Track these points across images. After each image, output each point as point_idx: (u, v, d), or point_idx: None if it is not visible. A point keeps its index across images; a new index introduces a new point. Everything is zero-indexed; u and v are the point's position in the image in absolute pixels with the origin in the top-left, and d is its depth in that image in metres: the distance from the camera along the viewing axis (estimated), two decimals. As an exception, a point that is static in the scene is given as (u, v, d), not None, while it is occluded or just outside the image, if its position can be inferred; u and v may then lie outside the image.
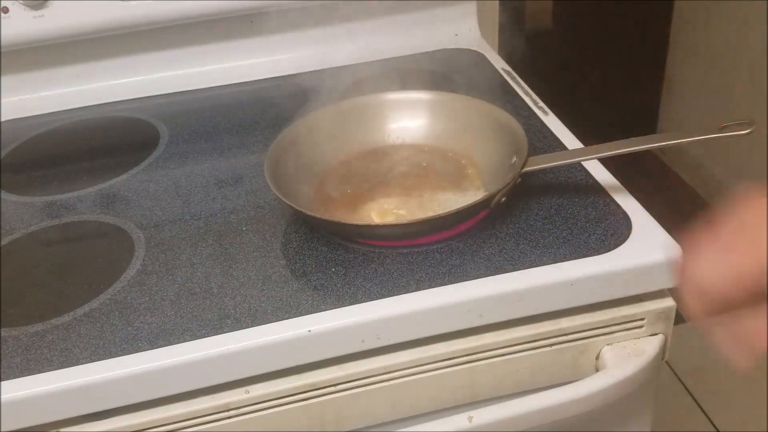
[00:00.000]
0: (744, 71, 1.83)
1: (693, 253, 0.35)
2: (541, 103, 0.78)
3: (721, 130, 0.55)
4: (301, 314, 0.53)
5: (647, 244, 0.56)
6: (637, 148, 0.58)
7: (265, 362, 0.52)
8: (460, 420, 0.53)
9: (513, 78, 0.85)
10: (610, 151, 0.58)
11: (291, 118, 0.70)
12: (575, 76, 2.17)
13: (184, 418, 0.53)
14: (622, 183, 0.63)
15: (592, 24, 2.14)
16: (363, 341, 0.53)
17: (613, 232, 0.57)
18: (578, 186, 0.63)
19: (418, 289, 0.54)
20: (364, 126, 0.71)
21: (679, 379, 1.52)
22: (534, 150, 0.64)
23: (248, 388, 0.53)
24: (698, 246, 0.35)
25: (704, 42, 1.98)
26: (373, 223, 0.61)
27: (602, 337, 0.58)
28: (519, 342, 0.56)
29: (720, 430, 1.42)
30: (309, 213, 0.59)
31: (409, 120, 0.72)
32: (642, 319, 0.58)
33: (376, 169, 0.69)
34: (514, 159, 0.61)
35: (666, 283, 0.56)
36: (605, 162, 0.64)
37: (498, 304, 0.54)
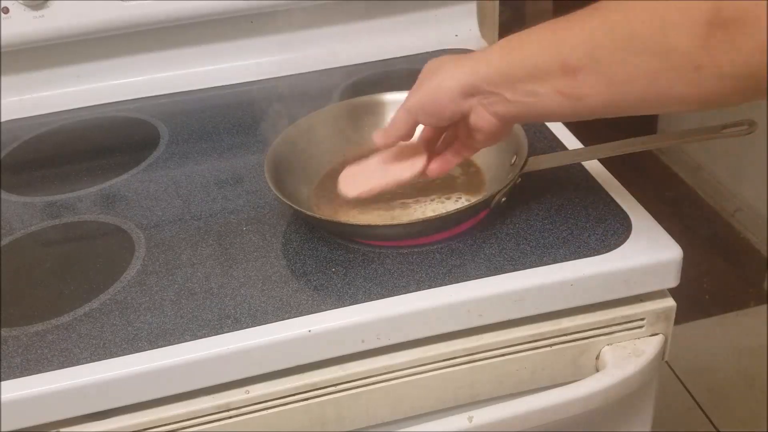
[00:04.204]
0: (744, 71, 1.83)
1: None
2: (541, 103, 0.78)
3: (721, 130, 0.55)
4: (301, 314, 0.53)
5: (647, 244, 0.56)
6: (637, 148, 0.58)
7: (265, 362, 0.52)
8: (460, 420, 0.53)
9: (513, 78, 0.85)
10: (610, 151, 0.58)
11: (291, 118, 0.70)
12: (575, 76, 2.16)
13: (184, 418, 0.53)
14: (622, 183, 0.63)
15: (592, 24, 2.13)
16: (363, 341, 0.53)
17: (613, 232, 0.57)
18: (578, 186, 0.63)
19: (418, 289, 0.54)
20: (364, 126, 0.71)
21: (679, 379, 1.52)
22: (534, 150, 0.64)
23: (248, 388, 0.53)
24: None
25: (704, 42, 1.97)
26: (373, 223, 0.61)
27: (602, 337, 0.58)
28: (519, 342, 0.56)
29: (720, 430, 1.42)
30: (309, 213, 0.59)
31: (409, 120, 0.71)
32: (642, 319, 0.58)
33: (376, 169, 0.69)
34: (514, 159, 0.61)
35: (666, 283, 0.56)
36: (605, 162, 0.64)
37: (498, 304, 0.54)
